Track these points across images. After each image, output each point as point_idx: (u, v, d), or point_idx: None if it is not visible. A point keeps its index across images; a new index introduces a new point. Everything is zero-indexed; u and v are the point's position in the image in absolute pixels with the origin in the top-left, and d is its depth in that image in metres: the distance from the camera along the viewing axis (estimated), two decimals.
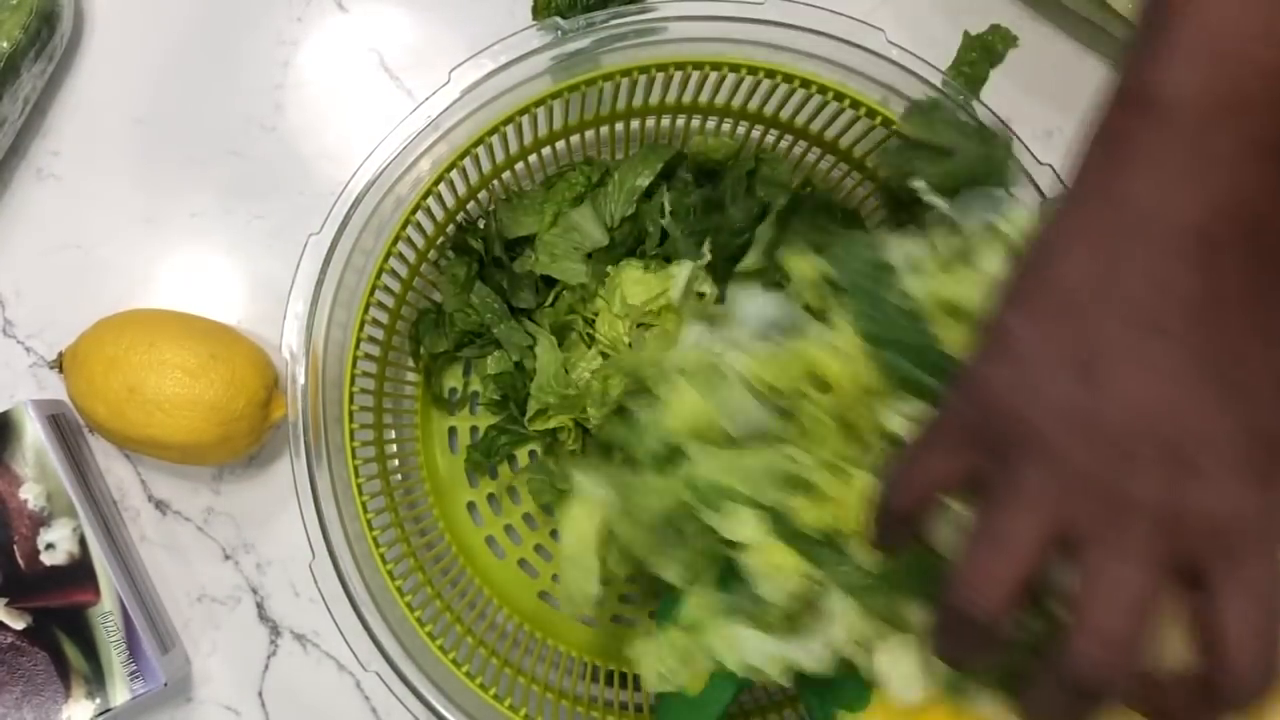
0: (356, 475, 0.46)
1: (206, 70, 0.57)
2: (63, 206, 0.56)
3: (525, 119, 0.48)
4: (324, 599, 0.44)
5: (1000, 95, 0.50)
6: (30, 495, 0.50)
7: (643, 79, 0.48)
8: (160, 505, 0.55)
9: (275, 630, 0.55)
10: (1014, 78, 0.56)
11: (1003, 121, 0.46)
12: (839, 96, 0.47)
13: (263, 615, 0.55)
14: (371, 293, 0.47)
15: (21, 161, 0.56)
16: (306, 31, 0.58)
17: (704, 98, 0.50)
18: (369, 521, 0.46)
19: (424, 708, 0.45)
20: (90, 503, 0.51)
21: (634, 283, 0.49)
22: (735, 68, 0.47)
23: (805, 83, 0.47)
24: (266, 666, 0.55)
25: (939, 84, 0.45)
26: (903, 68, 0.46)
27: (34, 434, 0.50)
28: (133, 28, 0.57)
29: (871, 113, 0.47)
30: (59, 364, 0.52)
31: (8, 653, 0.49)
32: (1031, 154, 0.46)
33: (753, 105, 0.50)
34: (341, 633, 0.44)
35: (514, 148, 0.50)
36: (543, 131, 0.50)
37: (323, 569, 0.45)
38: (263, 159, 0.57)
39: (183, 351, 0.49)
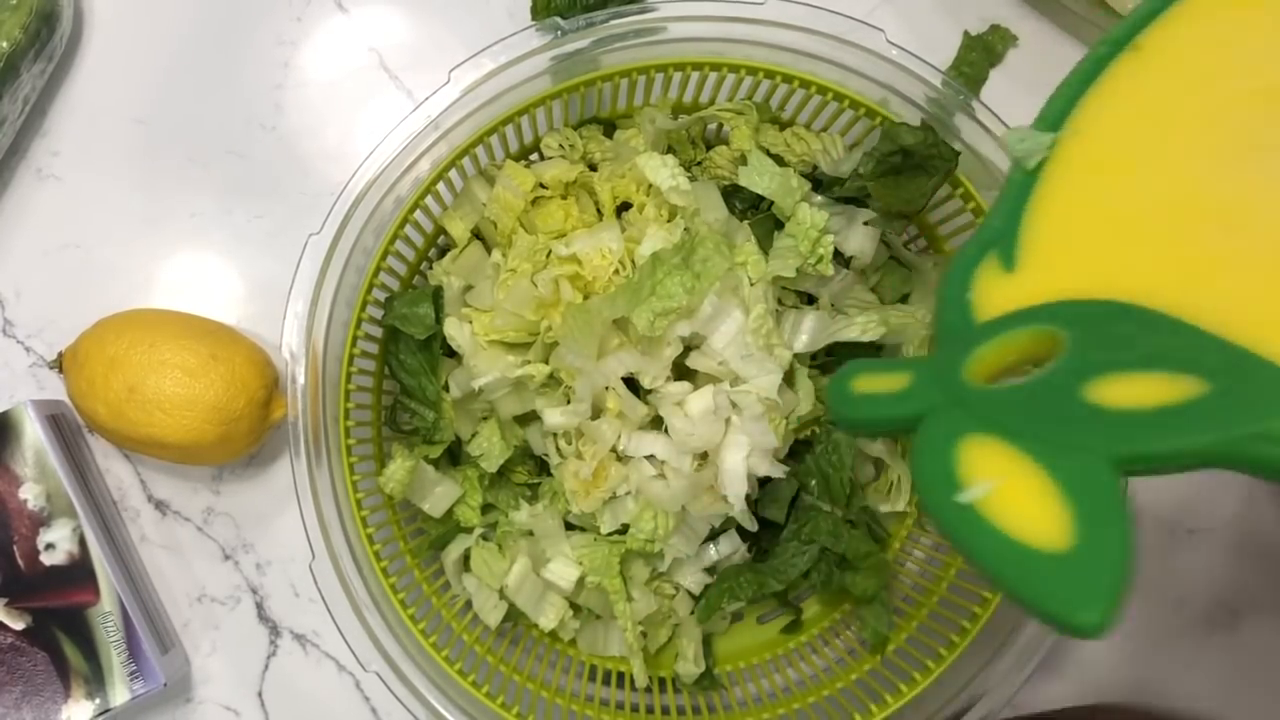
0: (352, 473, 0.46)
1: (206, 70, 0.57)
2: (63, 206, 0.56)
3: (525, 119, 0.48)
4: (324, 599, 0.44)
5: (1000, 95, 0.50)
6: (30, 495, 0.50)
7: (642, 79, 0.48)
8: (160, 505, 0.55)
9: (275, 630, 0.55)
10: (1014, 78, 0.57)
11: (1003, 122, 0.46)
12: (839, 97, 0.47)
13: (263, 615, 0.55)
14: (369, 291, 0.47)
15: (21, 161, 0.56)
16: (306, 32, 0.58)
17: (704, 97, 0.50)
18: (363, 519, 0.46)
19: (424, 707, 0.45)
20: (90, 503, 0.51)
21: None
22: (735, 68, 0.47)
23: (805, 83, 0.47)
24: (266, 666, 0.55)
25: (939, 84, 0.45)
26: (902, 68, 0.46)
27: (34, 434, 0.50)
28: (133, 28, 0.57)
29: (871, 113, 0.47)
30: (59, 364, 0.52)
31: (8, 653, 0.49)
32: None
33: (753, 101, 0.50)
34: (341, 633, 0.44)
35: (514, 147, 0.50)
36: (543, 131, 0.50)
37: (322, 569, 0.45)
38: (263, 159, 0.57)
39: (183, 351, 0.49)
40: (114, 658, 0.49)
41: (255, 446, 0.53)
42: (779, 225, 0.47)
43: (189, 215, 0.57)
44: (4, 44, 0.52)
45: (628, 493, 0.46)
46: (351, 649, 0.44)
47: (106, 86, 0.57)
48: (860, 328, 0.47)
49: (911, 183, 0.45)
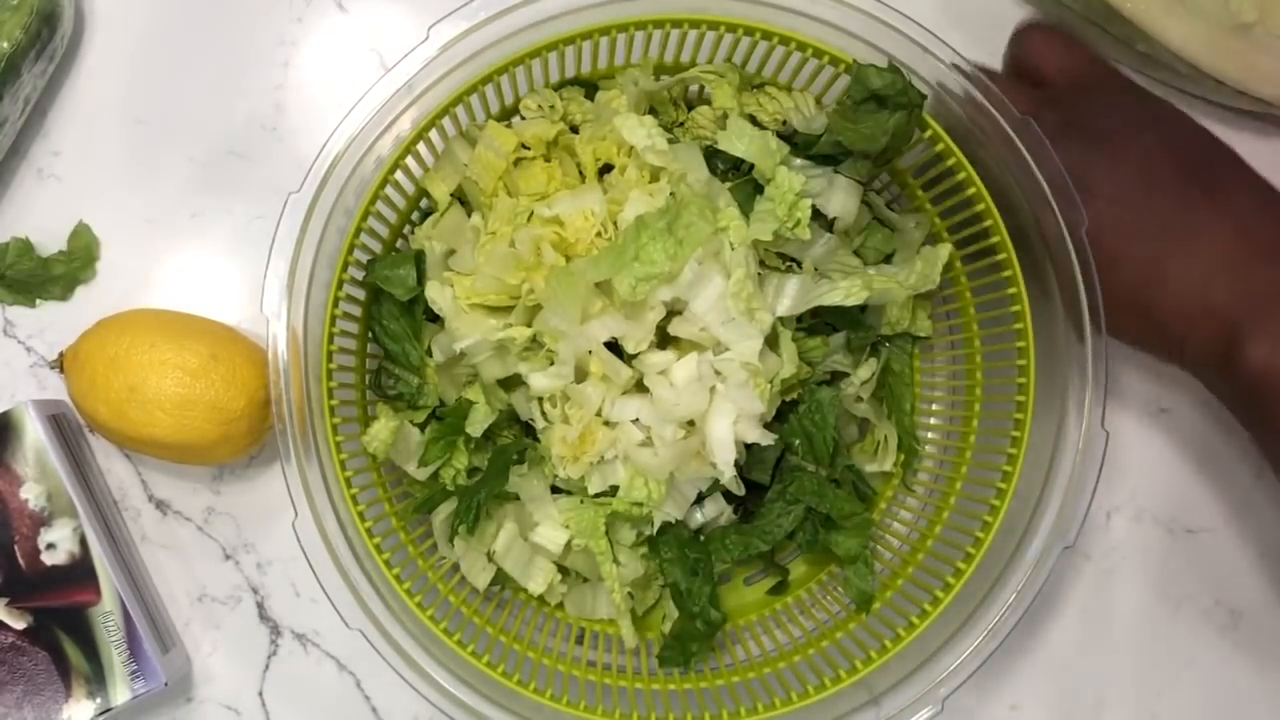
0: (335, 434, 0.46)
1: (206, 70, 0.57)
2: (63, 206, 0.56)
3: (505, 79, 0.48)
4: (306, 557, 0.44)
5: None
6: (31, 495, 0.50)
7: (622, 37, 0.48)
8: (160, 505, 0.55)
9: (275, 630, 0.55)
10: None
11: (985, 78, 0.46)
12: (819, 53, 0.47)
13: (263, 615, 0.55)
14: (350, 251, 0.47)
15: (22, 162, 0.56)
16: (306, 32, 0.58)
17: (685, 57, 0.50)
18: (347, 480, 0.46)
19: (409, 667, 0.45)
20: (91, 503, 0.51)
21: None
22: (715, 24, 0.47)
23: (784, 39, 0.47)
24: (267, 666, 0.55)
25: (922, 40, 0.46)
26: (884, 23, 0.46)
27: (34, 434, 0.50)
28: (133, 28, 0.57)
29: (851, 70, 0.47)
30: (59, 364, 0.52)
31: (8, 653, 0.49)
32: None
33: (732, 61, 0.50)
34: (325, 590, 0.44)
35: (495, 109, 0.50)
36: (524, 92, 0.50)
37: (305, 527, 0.44)
38: (263, 159, 0.57)
39: (183, 352, 0.49)
40: (115, 657, 0.49)
41: (256, 447, 0.53)
42: (759, 189, 0.47)
43: (189, 215, 0.57)
44: (4, 44, 0.52)
45: (615, 456, 0.47)
46: (335, 607, 0.44)
47: (107, 87, 0.57)
48: (844, 292, 0.47)
49: (872, 118, 0.45)
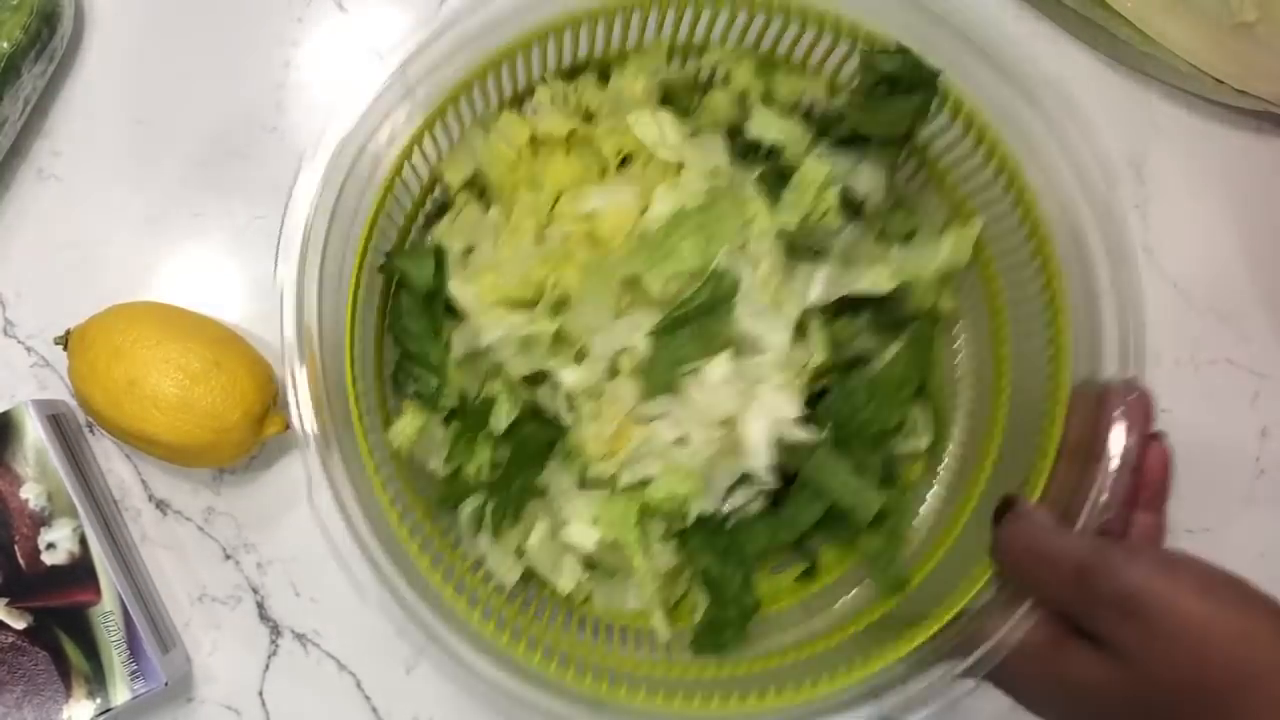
0: (361, 424, 0.44)
1: (207, 70, 0.57)
2: (63, 207, 0.56)
3: (519, 59, 0.47)
4: (324, 529, 0.42)
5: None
6: (31, 495, 0.50)
7: (636, 16, 0.47)
8: (161, 505, 0.55)
9: (276, 630, 0.55)
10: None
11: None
12: (835, 28, 0.46)
13: (263, 615, 0.55)
14: (371, 231, 0.45)
15: (22, 162, 0.56)
16: (306, 32, 0.58)
17: (698, 36, 0.49)
18: (375, 467, 0.44)
19: (424, 634, 0.42)
20: (91, 502, 0.51)
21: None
22: (730, 1, 0.46)
23: (800, 11, 0.46)
24: (267, 666, 0.55)
25: (938, 9, 0.45)
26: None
27: (34, 434, 0.50)
28: (133, 28, 0.57)
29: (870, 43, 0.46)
30: (65, 341, 0.52)
31: (8, 652, 0.49)
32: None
33: (746, 44, 0.50)
34: (343, 563, 0.43)
35: (508, 92, 0.49)
36: (536, 73, 0.49)
37: (320, 498, 0.42)
38: (264, 159, 0.57)
39: (188, 354, 0.49)
40: (115, 657, 0.49)
41: (243, 458, 0.53)
42: (783, 176, 0.47)
43: (190, 215, 0.57)
44: (5, 44, 0.52)
45: (648, 453, 0.46)
46: (352, 576, 0.41)
47: (108, 87, 0.57)
48: (871, 280, 0.47)
49: (891, 105, 0.45)
